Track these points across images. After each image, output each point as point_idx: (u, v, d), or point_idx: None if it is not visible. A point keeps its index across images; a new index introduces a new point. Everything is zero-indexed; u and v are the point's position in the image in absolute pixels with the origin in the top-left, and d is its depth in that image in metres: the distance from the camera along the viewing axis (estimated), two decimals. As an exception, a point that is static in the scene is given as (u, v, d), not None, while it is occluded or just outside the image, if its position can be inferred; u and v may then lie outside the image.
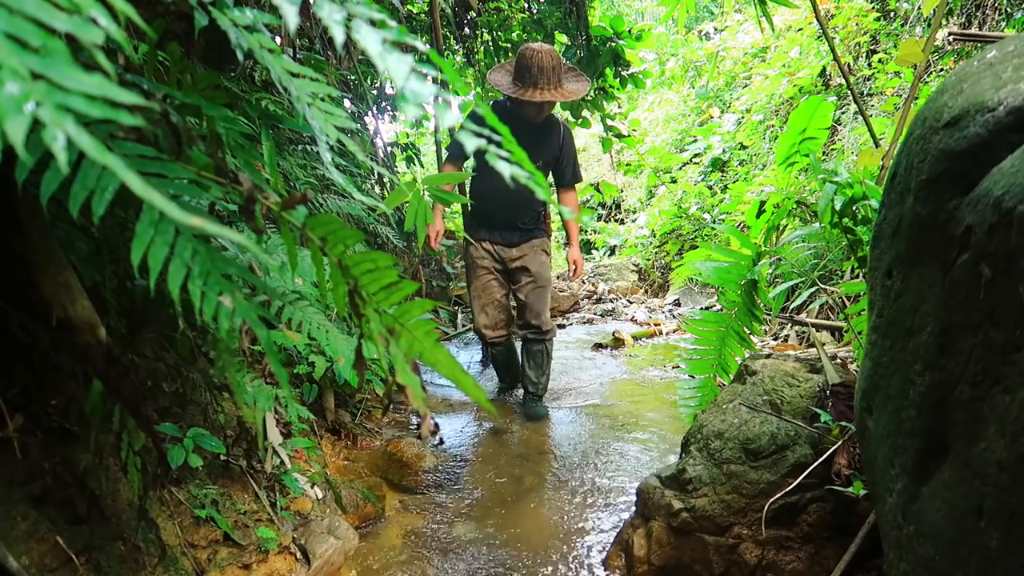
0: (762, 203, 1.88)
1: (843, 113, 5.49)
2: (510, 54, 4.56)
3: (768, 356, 1.75)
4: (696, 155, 8.30)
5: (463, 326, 4.66)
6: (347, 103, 3.79)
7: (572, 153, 2.88)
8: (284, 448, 1.67)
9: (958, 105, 0.80)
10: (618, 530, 1.68)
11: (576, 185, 2.91)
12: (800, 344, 3.83)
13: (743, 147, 7.24)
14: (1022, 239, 0.64)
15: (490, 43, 4.54)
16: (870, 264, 1.06)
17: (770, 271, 1.93)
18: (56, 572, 1.00)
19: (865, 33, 5.52)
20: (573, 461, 2.31)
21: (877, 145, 2.03)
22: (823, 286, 2.14)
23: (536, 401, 2.88)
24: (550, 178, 2.89)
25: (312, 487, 1.74)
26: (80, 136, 0.38)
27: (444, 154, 4.73)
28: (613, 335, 4.73)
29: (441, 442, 2.46)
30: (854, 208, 1.55)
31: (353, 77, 3.63)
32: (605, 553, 1.64)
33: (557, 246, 11.43)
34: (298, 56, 2.89)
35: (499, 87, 2.58)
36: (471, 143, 0.58)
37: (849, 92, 3.96)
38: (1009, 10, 4.24)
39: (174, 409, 1.40)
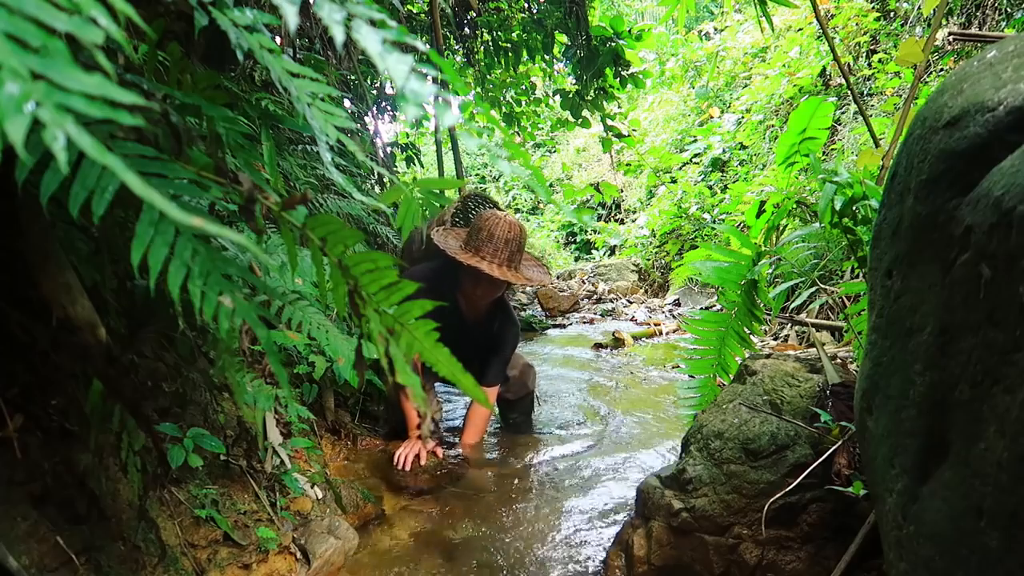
0: (762, 203, 1.88)
1: (843, 113, 5.49)
2: (510, 54, 4.56)
3: (768, 356, 1.75)
4: (696, 155, 8.30)
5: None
6: (347, 103, 3.79)
7: (507, 351, 2.45)
8: (284, 448, 1.67)
9: (958, 105, 0.80)
10: (618, 530, 1.68)
11: (496, 385, 2.47)
12: (800, 344, 3.84)
13: (743, 147, 7.25)
14: (1022, 239, 0.64)
15: (490, 43, 4.54)
16: (870, 264, 1.06)
17: (770, 271, 1.93)
18: (56, 572, 1.00)
19: (865, 33, 5.53)
20: (572, 461, 2.31)
21: (877, 145, 2.03)
22: (823, 286, 2.14)
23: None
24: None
25: (312, 487, 1.74)
26: (80, 136, 0.38)
27: (444, 153, 4.73)
28: (613, 335, 4.74)
29: (441, 442, 2.46)
30: (854, 208, 1.55)
31: (353, 77, 3.63)
32: (605, 553, 1.64)
33: (556, 245, 11.45)
34: (298, 56, 2.89)
35: (446, 248, 2.16)
36: None
37: (849, 92, 3.96)
38: (1009, 10, 4.24)
39: (174, 409, 1.40)
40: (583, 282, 8.36)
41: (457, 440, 2.51)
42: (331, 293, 0.80)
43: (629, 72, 4.30)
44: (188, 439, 1.33)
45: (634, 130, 8.72)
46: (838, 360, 1.75)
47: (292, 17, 0.62)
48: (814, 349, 2.18)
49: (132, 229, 0.63)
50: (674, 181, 8.28)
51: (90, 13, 0.44)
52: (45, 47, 0.41)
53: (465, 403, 3.01)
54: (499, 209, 2.34)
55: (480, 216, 2.20)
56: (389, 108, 4.61)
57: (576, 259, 10.97)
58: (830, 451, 1.36)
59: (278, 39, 2.25)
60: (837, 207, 1.53)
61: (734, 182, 6.75)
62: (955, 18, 4.63)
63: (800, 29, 6.45)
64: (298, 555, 1.49)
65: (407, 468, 2.07)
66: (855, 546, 1.24)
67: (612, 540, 1.66)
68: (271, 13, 0.99)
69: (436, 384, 2.91)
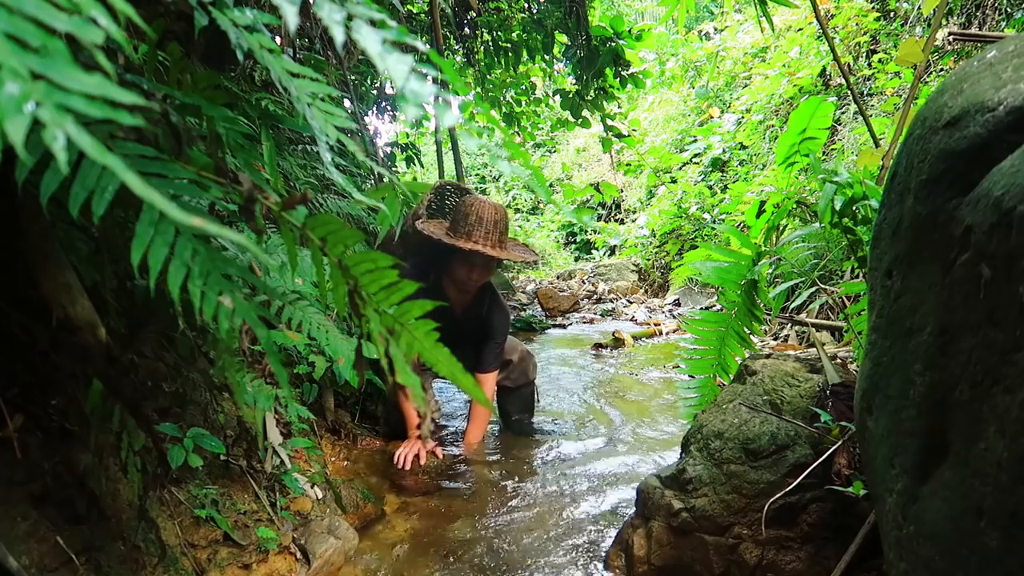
0: (762, 203, 1.88)
1: (843, 113, 5.49)
2: (510, 54, 4.56)
3: (768, 356, 1.75)
4: (696, 155, 8.31)
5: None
6: (347, 103, 3.79)
7: (498, 335, 2.43)
8: (284, 448, 1.67)
9: (958, 105, 0.80)
10: (618, 530, 1.68)
11: (494, 371, 2.45)
12: (800, 344, 3.84)
13: (743, 147, 7.25)
14: (1022, 239, 0.64)
15: (490, 43, 4.54)
16: (870, 264, 1.06)
17: (770, 271, 1.93)
18: (56, 572, 1.00)
19: (865, 33, 5.53)
20: (572, 461, 2.31)
21: (877, 145, 2.03)
22: (823, 286, 2.14)
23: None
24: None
25: (312, 487, 1.74)
26: (80, 136, 0.38)
27: (444, 153, 4.73)
28: (613, 335, 4.74)
29: (441, 443, 2.46)
30: (854, 208, 1.55)
31: (354, 77, 3.63)
32: (605, 553, 1.64)
33: (556, 245, 11.45)
34: (298, 56, 2.89)
35: (432, 235, 2.17)
36: None
37: (849, 92, 3.96)
38: (1009, 10, 4.24)
39: (174, 409, 1.40)
40: (583, 282, 8.36)
41: (459, 440, 2.51)
42: (331, 293, 0.80)
43: (629, 72, 4.30)
44: (188, 439, 1.33)
45: (634, 130, 8.73)
46: (838, 360, 1.75)
47: (292, 17, 0.62)
48: (814, 349, 2.18)
49: (132, 229, 0.63)
50: (674, 181, 8.29)
51: (90, 13, 0.44)
52: (45, 47, 0.41)
53: (463, 399, 3.01)
54: (473, 194, 2.35)
55: (463, 203, 2.21)
56: (389, 108, 4.61)
57: (576, 259, 10.98)
58: (830, 451, 1.36)
59: (278, 39, 2.25)
60: (837, 207, 1.53)
61: (734, 182, 6.75)
62: (955, 18, 4.63)
63: (800, 29, 6.46)
64: (298, 555, 1.49)
65: (407, 467, 2.07)
66: (855, 546, 1.24)
67: (612, 540, 1.66)
68: (271, 13, 0.99)
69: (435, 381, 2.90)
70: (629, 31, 4.14)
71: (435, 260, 2.32)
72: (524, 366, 2.69)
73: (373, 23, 0.66)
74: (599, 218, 11.36)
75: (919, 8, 4.88)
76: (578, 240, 11.52)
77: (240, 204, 0.74)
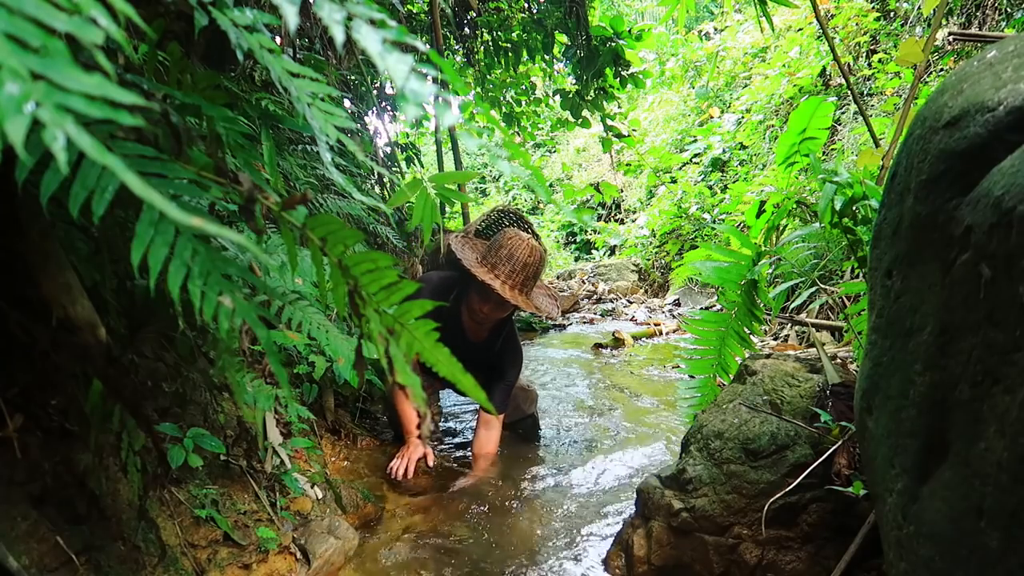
0: (762, 203, 1.88)
1: (843, 113, 5.49)
2: (510, 54, 4.56)
3: (768, 356, 1.75)
4: (696, 155, 8.31)
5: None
6: (347, 103, 3.79)
7: (510, 377, 2.30)
8: (284, 448, 1.67)
9: (958, 105, 0.80)
10: (618, 530, 1.68)
11: (500, 416, 2.30)
12: (800, 344, 3.84)
13: (743, 147, 7.25)
14: (1022, 239, 0.64)
15: (490, 43, 4.54)
16: (870, 264, 1.06)
17: (770, 271, 1.93)
18: (56, 572, 1.00)
19: (865, 33, 5.53)
20: (572, 462, 2.31)
21: (877, 145, 2.04)
22: (823, 286, 2.14)
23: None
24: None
25: (312, 487, 1.74)
26: (80, 136, 0.38)
27: (444, 153, 4.73)
28: (613, 335, 4.73)
29: (440, 443, 2.46)
30: (854, 208, 1.55)
31: (353, 77, 3.63)
32: (605, 553, 1.64)
33: (556, 245, 11.45)
34: (298, 56, 2.88)
35: (463, 259, 2.06)
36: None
37: (849, 92, 3.96)
38: (1009, 10, 4.24)
39: (174, 409, 1.40)
40: (583, 282, 8.35)
41: (462, 451, 2.50)
42: (331, 293, 0.80)
43: (629, 72, 4.30)
44: (188, 439, 1.33)
45: (634, 130, 8.73)
46: (838, 360, 1.75)
47: (292, 17, 0.62)
48: (814, 349, 2.18)
49: (132, 229, 0.63)
50: (674, 181, 8.28)
51: (90, 13, 0.44)
52: (45, 47, 0.41)
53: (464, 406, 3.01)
54: (528, 228, 2.26)
55: (503, 233, 2.11)
56: (389, 108, 4.60)
57: (576, 259, 10.97)
58: (830, 451, 1.36)
59: (278, 39, 2.25)
60: (837, 207, 1.53)
61: (734, 182, 6.75)
62: (955, 18, 4.63)
63: (800, 29, 6.46)
64: (298, 555, 1.49)
65: (398, 478, 2.04)
66: (855, 546, 1.24)
67: (612, 540, 1.66)
68: (271, 13, 0.99)
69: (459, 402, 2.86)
70: (629, 31, 4.14)
71: (464, 279, 2.20)
72: (516, 401, 2.53)
73: (373, 23, 0.66)
74: (599, 218, 11.36)
75: (919, 8, 4.88)
76: (578, 240, 11.51)
77: (240, 204, 0.74)
